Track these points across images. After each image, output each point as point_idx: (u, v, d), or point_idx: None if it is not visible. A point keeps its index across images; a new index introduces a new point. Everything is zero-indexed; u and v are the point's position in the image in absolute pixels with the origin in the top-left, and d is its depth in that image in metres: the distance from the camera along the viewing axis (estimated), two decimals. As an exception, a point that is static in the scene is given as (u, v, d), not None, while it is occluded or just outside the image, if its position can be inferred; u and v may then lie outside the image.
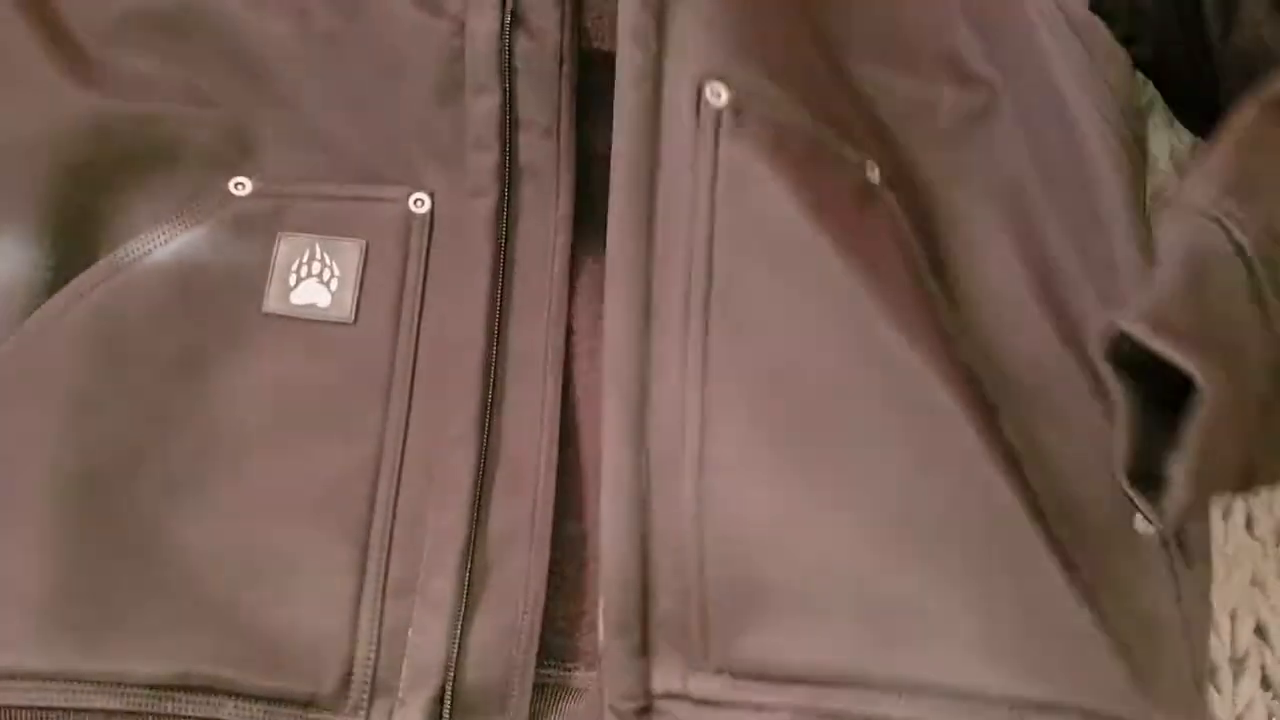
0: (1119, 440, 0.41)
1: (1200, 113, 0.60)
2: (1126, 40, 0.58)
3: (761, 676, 0.43)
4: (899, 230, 0.49)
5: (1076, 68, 0.53)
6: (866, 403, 0.44)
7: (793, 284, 0.46)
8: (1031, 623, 0.42)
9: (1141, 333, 0.39)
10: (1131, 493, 0.41)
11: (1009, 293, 0.51)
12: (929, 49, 0.56)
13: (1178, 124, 0.63)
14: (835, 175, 0.49)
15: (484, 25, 0.52)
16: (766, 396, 0.45)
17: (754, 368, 0.45)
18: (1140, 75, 0.58)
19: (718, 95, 0.48)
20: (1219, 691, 0.53)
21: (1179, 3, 0.57)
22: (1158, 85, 0.61)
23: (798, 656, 0.43)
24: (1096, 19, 0.53)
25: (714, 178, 0.47)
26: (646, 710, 0.44)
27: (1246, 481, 0.45)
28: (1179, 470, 0.39)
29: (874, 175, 0.50)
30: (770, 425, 0.44)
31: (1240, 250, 0.41)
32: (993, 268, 0.52)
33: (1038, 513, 0.43)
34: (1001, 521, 0.43)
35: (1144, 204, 0.52)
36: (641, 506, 0.44)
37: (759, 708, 0.43)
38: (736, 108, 0.48)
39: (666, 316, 0.45)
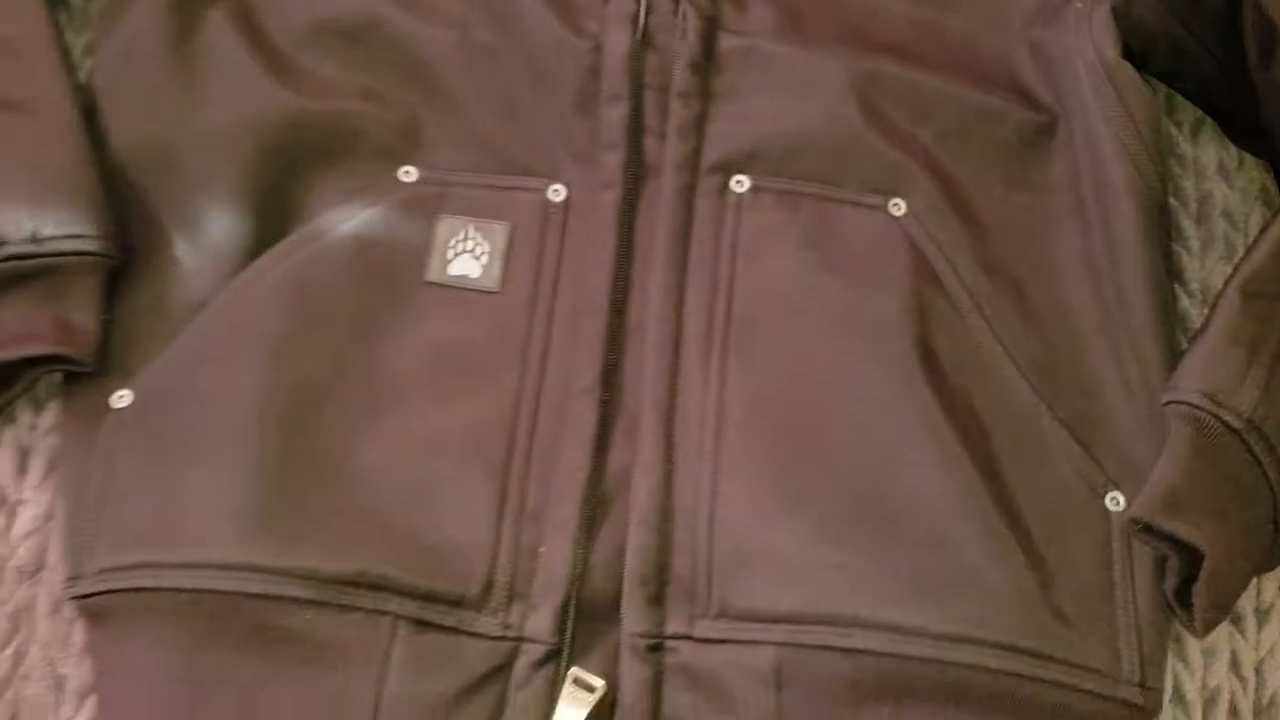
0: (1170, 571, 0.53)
1: (1245, 129, 0.68)
2: (1169, 75, 0.66)
3: (751, 619, 0.52)
4: (924, 265, 0.58)
5: (1105, 104, 0.61)
6: (846, 414, 0.55)
7: (796, 328, 0.57)
8: (967, 578, 0.52)
9: (1154, 519, 0.51)
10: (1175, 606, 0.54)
11: (1089, 304, 0.60)
12: (999, 69, 0.65)
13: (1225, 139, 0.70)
14: (849, 224, 0.60)
15: (618, 44, 0.61)
16: (767, 411, 0.56)
17: (760, 389, 0.56)
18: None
19: (740, 184, 0.60)
20: (1244, 637, 0.60)
21: (1220, 41, 0.64)
22: (1204, 109, 0.69)
23: (780, 604, 0.52)
24: (1125, 63, 0.61)
25: (735, 244, 0.59)
26: (658, 648, 0.53)
27: (1263, 570, 0.56)
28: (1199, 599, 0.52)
29: (899, 209, 0.60)
30: (769, 433, 0.55)
31: (1234, 431, 0.51)
32: (1061, 267, 0.60)
33: (1003, 500, 0.54)
34: (957, 500, 0.53)
35: (1162, 229, 0.61)
36: (665, 489, 0.54)
37: (749, 643, 0.52)
38: (756, 189, 0.60)
39: (693, 348, 0.57)
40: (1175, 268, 0.65)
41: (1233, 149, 0.70)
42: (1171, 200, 0.66)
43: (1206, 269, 0.66)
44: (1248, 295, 0.54)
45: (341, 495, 0.54)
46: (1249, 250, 0.57)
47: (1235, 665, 0.59)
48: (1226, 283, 0.55)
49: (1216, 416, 0.51)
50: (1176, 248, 0.66)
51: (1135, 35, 0.63)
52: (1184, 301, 0.65)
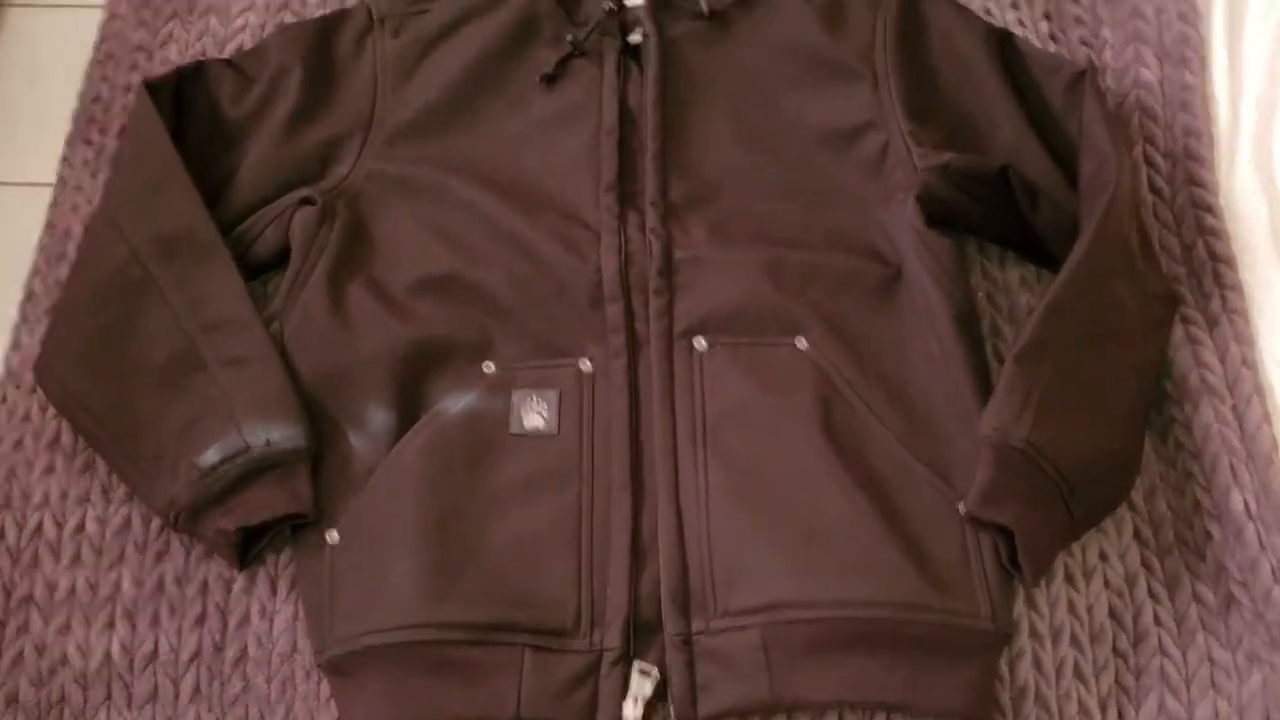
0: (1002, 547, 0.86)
1: (1035, 253, 1.01)
2: (969, 228, 1.01)
3: (742, 613, 0.84)
4: (822, 376, 0.91)
5: (923, 257, 0.93)
6: (784, 476, 0.87)
7: (747, 428, 0.89)
8: (874, 566, 0.84)
9: (977, 512, 0.84)
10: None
11: (934, 385, 0.92)
12: (860, 242, 0.98)
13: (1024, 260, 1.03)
14: (774, 357, 0.92)
15: (610, 265, 0.96)
16: (735, 480, 0.88)
17: (729, 466, 0.88)
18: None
19: (700, 343, 0.93)
20: (1076, 590, 0.91)
21: (1001, 201, 0.98)
22: (1001, 245, 1.02)
23: (759, 600, 0.83)
24: (930, 231, 0.94)
25: (702, 383, 0.92)
26: (688, 641, 0.84)
27: (1070, 539, 0.89)
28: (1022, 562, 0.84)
29: (802, 344, 0.92)
30: (737, 494, 0.87)
31: (1018, 450, 0.83)
32: (914, 365, 0.93)
33: (892, 517, 0.86)
34: (862, 521, 0.85)
35: (976, 332, 0.93)
36: (679, 539, 0.87)
37: (743, 629, 0.83)
38: (711, 345, 0.92)
39: (685, 449, 0.89)
40: (1000, 354, 0.98)
41: (1031, 266, 1.03)
42: (990, 309, 1.00)
43: (1021, 351, 0.99)
44: (1019, 360, 0.86)
45: (480, 571, 0.85)
46: (1021, 330, 0.90)
47: (1072, 609, 0.90)
48: (1009, 354, 0.88)
49: (1005, 441, 0.83)
50: (997, 342, 0.98)
51: (938, 208, 0.96)
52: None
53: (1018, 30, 1.12)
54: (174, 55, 1.14)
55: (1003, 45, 1.05)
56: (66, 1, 1.23)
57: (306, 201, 0.98)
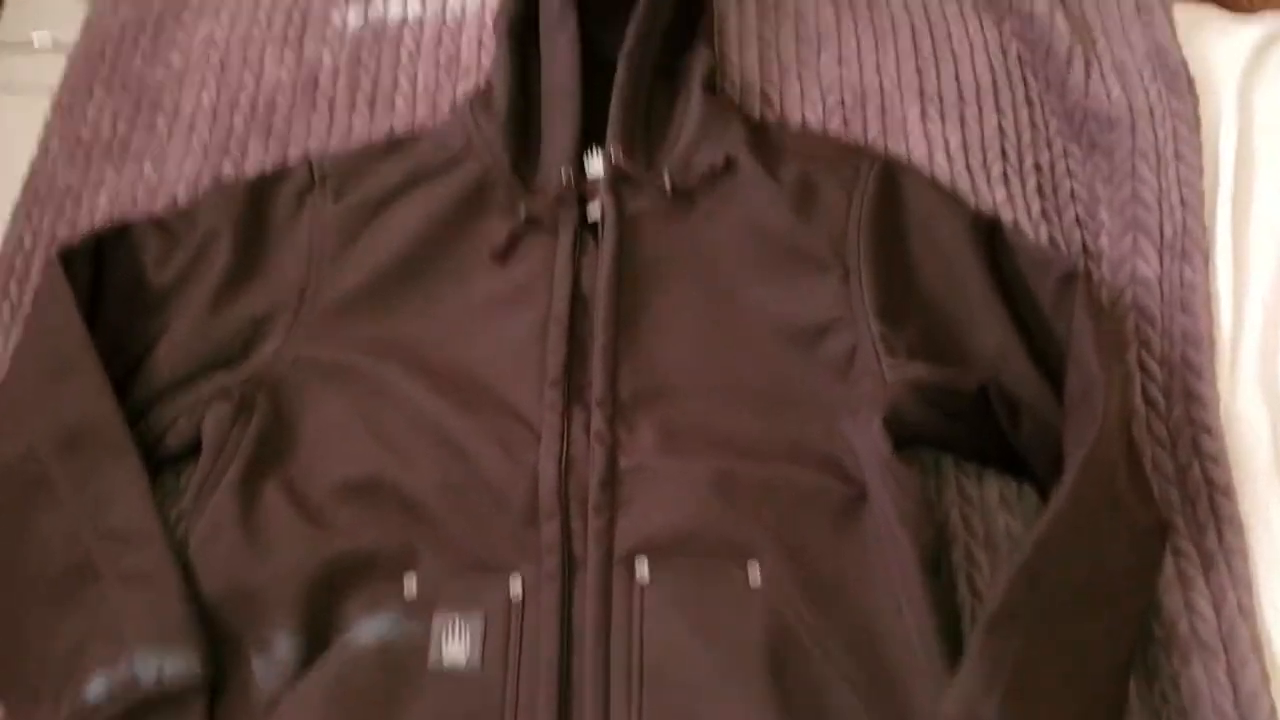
0: None
1: (1012, 468, 0.93)
2: (945, 448, 0.93)
3: None
4: (775, 617, 0.82)
5: (888, 486, 0.85)
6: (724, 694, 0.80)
7: (687, 674, 0.81)
8: None
9: None
10: None
11: (898, 631, 0.83)
12: (821, 456, 0.89)
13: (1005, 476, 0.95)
14: (723, 592, 0.84)
15: (549, 475, 0.88)
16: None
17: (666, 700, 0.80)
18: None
19: (642, 565, 0.85)
20: None
21: (979, 418, 0.90)
22: (976, 462, 0.94)
23: None
24: (894, 459, 0.85)
25: (641, 619, 0.83)
26: None
27: None
28: None
29: (755, 576, 0.84)
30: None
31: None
32: (877, 603, 0.84)
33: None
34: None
35: (940, 567, 0.84)
36: None
37: None
38: (653, 570, 0.84)
39: (618, 695, 0.81)
40: (975, 588, 0.89)
41: (1012, 482, 0.95)
42: (963, 533, 0.91)
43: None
44: (989, 630, 0.78)
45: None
46: (990, 591, 0.82)
47: None
48: (977, 623, 0.79)
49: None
50: (970, 571, 0.90)
51: (908, 430, 0.88)
52: (980, 612, 0.89)
53: (1006, 209, 1.04)
54: (104, 203, 1.07)
55: (990, 236, 0.97)
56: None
57: (222, 393, 0.91)
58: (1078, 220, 1.06)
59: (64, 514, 0.86)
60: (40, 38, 1.23)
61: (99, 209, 1.07)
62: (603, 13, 1.04)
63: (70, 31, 1.20)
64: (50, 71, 1.17)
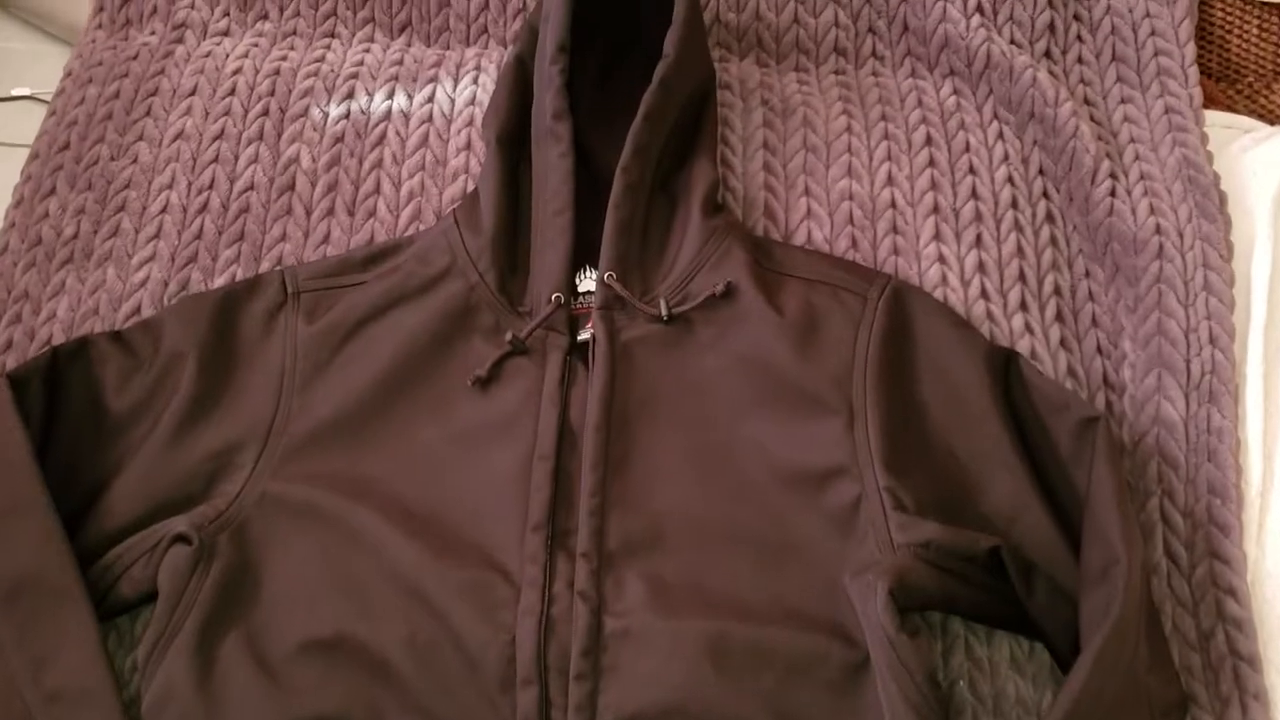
0: None
1: (1026, 629, 0.87)
2: (954, 612, 0.86)
3: None
4: None
5: (891, 664, 0.78)
6: None
7: None
8: None
9: None
10: None
11: None
12: (823, 615, 0.83)
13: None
14: None
15: (527, 639, 0.81)
16: None
17: None
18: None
19: None
20: None
21: (991, 580, 0.84)
22: (985, 624, 0.88)
23: None
24: (902, 635, 0.78)
25: None
26: None
27: None
28: None
29: None
30: None
31: None
32: None
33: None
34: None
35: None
36: None
37: None
38: None
39: None
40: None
41: (1023, 640, 0.89)
42: (971, 700, 0.85)
43: (1005, 755, 0.85)
44: None
45: None
46: None
47: None
48: None
49: None
50: (983, 742, 0.85)
51: (916, 598, 0.82)
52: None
53: (1024, 339, 0.98)
54: (62, 311, 1.00)
55: (1005, 372, 0.91)
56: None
57: (181, 538, 0.84)
58: (1099, 349, 0.99)
59: (5, 670, 0.80)
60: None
61: (58, 318, 1.00)
62: (598, 122, 0.99)
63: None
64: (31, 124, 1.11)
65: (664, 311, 0.92)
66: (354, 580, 0.85)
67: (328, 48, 1.16)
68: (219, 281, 1.01)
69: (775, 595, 0.84)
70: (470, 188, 1.01)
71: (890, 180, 1.05)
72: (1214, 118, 1.11)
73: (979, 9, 1.13)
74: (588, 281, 0.95)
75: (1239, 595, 0.87)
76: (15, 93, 1.23)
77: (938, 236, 1.02)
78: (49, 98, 1.12)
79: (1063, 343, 0.99)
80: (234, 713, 0.80)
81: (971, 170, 1.05)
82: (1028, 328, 0.99)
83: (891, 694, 0.79)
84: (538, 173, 0.96)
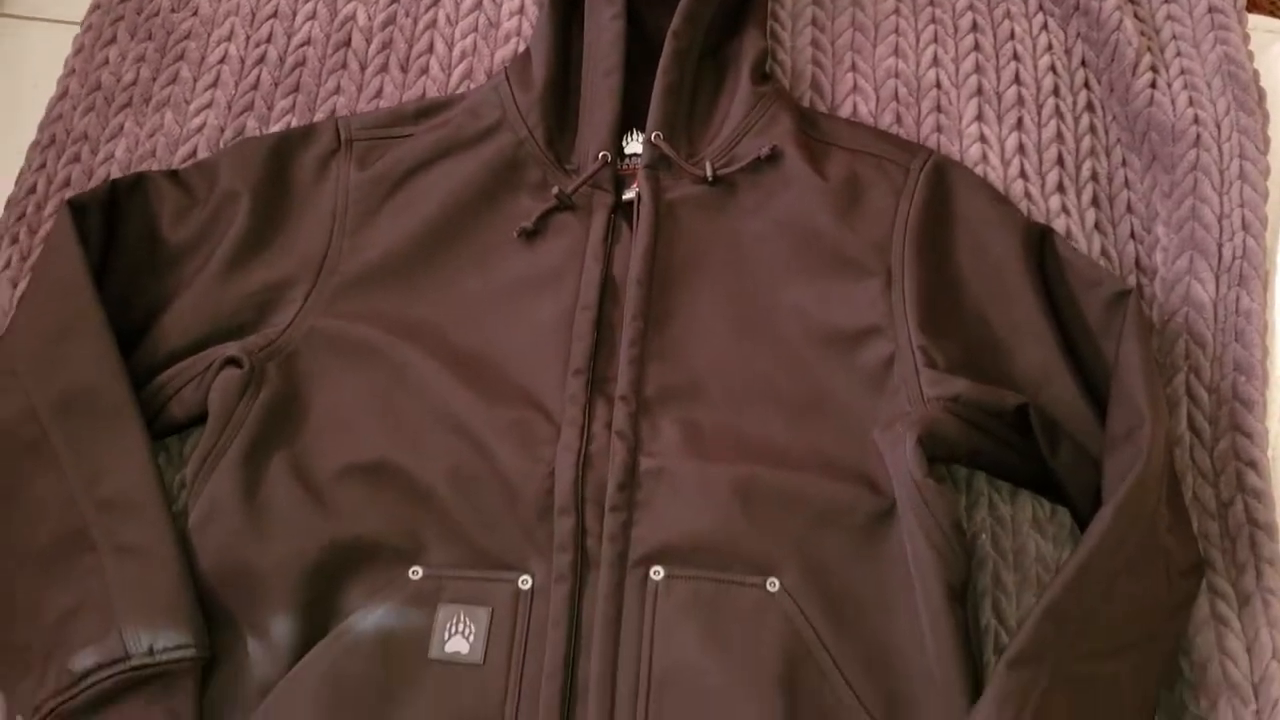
0: None
1: (1046, 489, 0.89)
2: (979, 466, 0.89)
3: None
4: (792, 632, 0.79)
5: (917, 509, 0.80)
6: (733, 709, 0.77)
7: (697, 688, 0.78)
8: None
9: None
10: None
11: (919, 659, 0.79)
12: (851, 465, 0.85)
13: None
14: (739, 602, 0.80)
15: (566, 471, 0.84)
16: None
17: (673, 708, 0.77)
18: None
19: (657, 574, 0.81)
20: None
21: (1017, 438, 0.86)
22: (1009, 481, 0.90)
23: None
24: (929, 481, 0.80)
25: (653, 625, 0.80)
26: None
27: None
28: None
29: (773, 586, 0.81)
30: None
31: None
32: (897, 624, 0.81)
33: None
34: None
35: (963, 585, 0.80)
36: None
37: None
38: (669, 578, 0.81)
39: (624, 704, 0.78)
40: (1000, 613, 0.86)
41: (1045, 502, 0.91)
42: (992, 554, 0.88)
43: (1022, 608, 0.87)
44: (1012, 666, 0.74)
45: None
46: (1019, 627, 0.78)
47: None
48: (999, 656, 0.76)
49: None
50: (997, 594, 0.87)
51: (943, 448, 0.84)
52: (1004, 638, 0.86)
53: (1060, 219, 1.00)
54: (120, 152, 1.03)
55: (1041, 247, 0.93)
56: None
57: (232, 362, 0.87)
58: (1133, 234, 1.01)
59: (61, 480, 0.83)
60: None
61: (115, 159, 1.03)
62: (651, -13, 1.00)
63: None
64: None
65: (709, 173, 0.94)
66: (399, 413, 0.87)
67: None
68: (274, 130, 1.03)
69: (806, 445, 0.87)
70: (522, 50, 1.03)
71: (936, 61, 1.07)
72: (1256, 21, 1.12)
73: (1029, -96, 1.14)
74: (635, 144, 0.97)
75: (1259, 468, 0.89)
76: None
77: (980, 117, 1.04)
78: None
79: (1097, 226, 1.01)
80: (277, 529, 0.83)
81: (1015, 57, 1.07)
82: (1064, 209, 1.01)
83: (916, 539, 0.81)
84: (589, 34, 0.98)
